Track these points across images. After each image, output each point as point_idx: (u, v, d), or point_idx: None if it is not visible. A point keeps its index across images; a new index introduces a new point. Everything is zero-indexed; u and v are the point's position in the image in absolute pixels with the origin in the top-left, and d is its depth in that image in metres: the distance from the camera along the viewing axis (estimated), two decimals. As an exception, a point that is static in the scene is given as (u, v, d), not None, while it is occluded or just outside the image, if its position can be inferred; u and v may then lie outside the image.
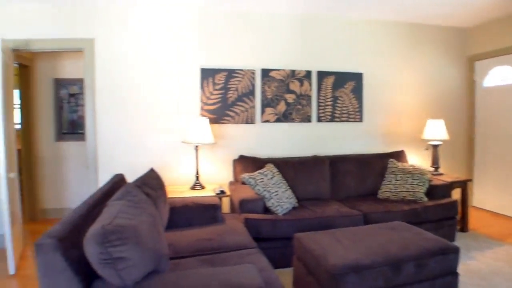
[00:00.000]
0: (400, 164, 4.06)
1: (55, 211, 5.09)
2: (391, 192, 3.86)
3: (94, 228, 1.46)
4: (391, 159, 4.17)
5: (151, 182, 2.55)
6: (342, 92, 4.47)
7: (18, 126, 4.62)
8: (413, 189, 3.76)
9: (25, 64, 4.77)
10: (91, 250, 1.42)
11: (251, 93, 4.18)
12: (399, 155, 4.40)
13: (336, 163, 4.14)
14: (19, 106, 4.77)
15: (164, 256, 1.74)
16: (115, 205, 1.80)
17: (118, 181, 2.63)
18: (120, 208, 1.73)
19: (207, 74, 4.05)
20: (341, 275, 2.17)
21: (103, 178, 3.93)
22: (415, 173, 3.84)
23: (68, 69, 4.99)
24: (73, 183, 5.09)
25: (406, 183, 3.83)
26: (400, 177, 3.90)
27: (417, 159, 4.78)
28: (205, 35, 4.04)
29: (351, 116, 4.52)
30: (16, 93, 4.26)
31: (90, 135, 3.90)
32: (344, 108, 4.49)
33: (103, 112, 3.90)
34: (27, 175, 4.87)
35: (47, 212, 5.10)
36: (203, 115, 4.01)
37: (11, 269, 3.26)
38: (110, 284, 1.50)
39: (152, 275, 1.63)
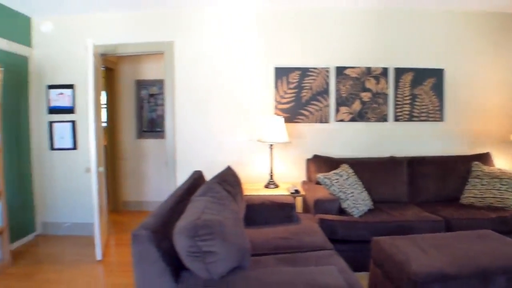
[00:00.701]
0: (486, 168, 3.77)
1: (135, 203, 5.51)
2: (475, 197, 3.61)
3: (184, 222, 1.55)
4: (476, 162, 3.88)
5: (229, 180, 2.65)
6: (421, 89, 4.25)
7: (105, 125, 5.07)
8: (501, 195, 3.48)
9: (111, 68, 5.21)
10: (181, 243, 1.52)
11: (325, 91, 4.15)
12: (484, 158, 4.07)
13: (414, 164, 3.96)
14: (105, 106, 5.24)
15: (247, 252, 1.81)
16: (200, 200, 1.90)
17: (197, 178, 2.77)
18: (205, 204, 1.83)
19: (281, 73, 4.10)
20: (424, 283, 2.07)
21: (181, 174, 4.16)
22: (503, 178, 3.55)
23: (148, 71, 5.36)
24: (152, 178, 5.46)
25: (493, 189, 3.55)
26: (487, 181, 3.62)
27: (505, 163, 4.41)
28: (279, 35, 4.09)
29: (430, 115, 4.29)
30: (103, 94, 4.69)
31: (169, 133, 4.16)
32: (424, 107, 4.27)
33: (181, 111, 4.14)
34: (111, 170, 5.32)
35: (128, 204, 5.54)
36: (276, 114, 4.07)
37: (98, 255, 3.58)
38: (197, 276, 1.59)
39: (236, 270, 1.70)
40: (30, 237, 4.28)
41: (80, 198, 4.34)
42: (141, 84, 5.35)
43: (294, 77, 4.11)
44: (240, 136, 4.11)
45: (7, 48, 3.88)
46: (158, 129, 5.35)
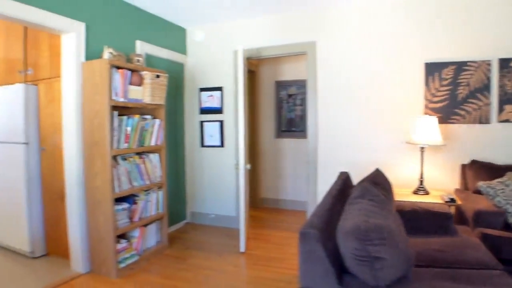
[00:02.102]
0: None
1: (272, 201, 5.75)
2: None
3: (351, 224, 1.54)
4: None
5: (381, 183, 2.56)
6: None
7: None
8: None
9: (252, 70, 5.54)
10: (349, 245, 1.51)
11: (485, 88, 3.67)
12: None
13: None
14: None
15: (412, 262, 1.71)
16: (361, 203, 1.86)
17: (345, 179, 2.74)
18: (366, 207, 1.78)
19: (433, 68, 3.77)
20: None
21: (322, 175, 4.19)
22: None
23: (288, 72, 5.54)
24: (289, 177, 5.62)
25: None
26: None
27: None
28: (429, 25, 3.76)
29: None
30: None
31: (311, 133, 4.21)
32: None
33: (324, 111, 4.16)
34: (252, 167, 5.66)
35: (265, 201, 5.81)
36: (427, 114, 3.77)
37: (242, 247, 3.84)
38: (361, 281, 1.57)
39: (402, 280, 1.63)
40: (181, 224, 4.85)
41: (224, 192, 4.74)
42: (280, 85, 5.56)
43: (447, 73, 3.74)
44: (385, 137, 3.92)
45: (168, 57, 4.48)
46: (296, 129, 5.48)
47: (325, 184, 4.18)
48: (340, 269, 1.64)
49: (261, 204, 5.81)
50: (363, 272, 1.52)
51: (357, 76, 4.00)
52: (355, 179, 3.68)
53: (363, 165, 3.92)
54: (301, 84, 5.41)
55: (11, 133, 3.71)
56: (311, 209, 4.26)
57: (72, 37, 3.23)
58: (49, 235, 3.75)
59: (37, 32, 3.69)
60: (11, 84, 3.84)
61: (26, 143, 3.63)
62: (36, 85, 3.73)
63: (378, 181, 2.52)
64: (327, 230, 1.65)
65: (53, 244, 3.72)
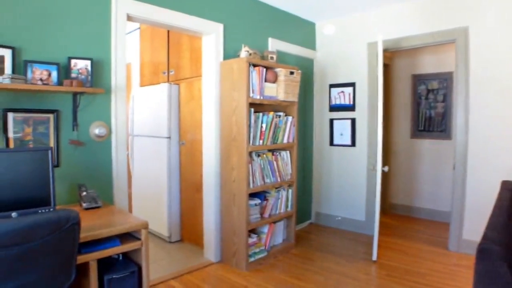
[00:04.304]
0: None
1: (403, 207, 5.43)
2: None
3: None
4: None
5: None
6: None
7: (377, 122, 5.22)
8: None
9: (386, 63, 5.30)
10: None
11: None
12: None
13: None
14: (379, 103, 5.38)
15: None
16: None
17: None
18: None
19: None
20: None
21: (471, 182, 3.78)
22: None
23: (427, 65, 5.15)
24: (426, 183, 5.22)
25: None
26: None
27: None
28: None
29: None
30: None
31: (459, 133, 3.81)
32: None
33: (476, 108, 3.71)
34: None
35: (395, 207, 5.52)
36: None
37: (374, 256, 3.69)
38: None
39: None
40: (305, 224, 4.92)
41: (353, 194, 4.64)
42: (418, 79, 5.20)
43: None
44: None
45: (298, 53, 4.58)
46: (437, 129, 5.07)
47: (475, 193, 3.74)
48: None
49: (390, 210, 5.54)
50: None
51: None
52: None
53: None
54: (444, 78, 4.97)
55: (156, 128, 4.23)
56: (456, 221, 3.88)
57: (212, 38, 3.53)
58: (184, 223, 4.19)
59: (178, 36, 4.14)
60: (156, 84, 4.38)
61: (168, 137, 4.09)
62: (177, 84, 4.17)
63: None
64: (509, 247, 1.48)
65: (187, 231, 4.15)
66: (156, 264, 3.54)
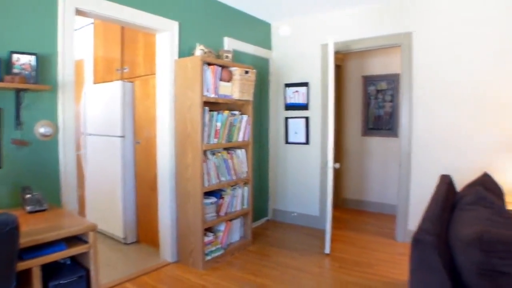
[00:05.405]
0: None
1: (355, 202, 5.57)
2: None
3: (472, 233, 1.39)
4: None
5: (492, 189, 2.32)
6: None
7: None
8: None
9: (338, 64, 5.39)
10: (470, 256, 1.36)
11: None
12: None
13: None
14: (331, 102, 5.47)
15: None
16: (474, 210, 1.70)
17: (449, 183, 2.53)
18: (483, 215, 1.62)
19: (554, 59, 3.34)
20: None
21: (416, 178, 3.93)
22: None
23: (376, 66, 5.29)
24: (375, 178, 5.38)
25: None
26: None
27: None
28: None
29: None
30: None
31: (404, 132, 3.95)
32: None
33: (419, 108, 3.87)
34: (334, 166, 5.53)
35: (347, 201, 5.65)
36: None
37: (327, 249, 3.75)
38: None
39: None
40: (262, 221, 4.91)
41: (308, 190, 4.69)
42: (368, 80, 5.34)
43: None
44: (492, 137, 3.50)
45: (254, 53, 4.54)
46: (385, 127, 5.22)
47: (418, 187, 3.90)
48: (454, 281, 1.51)
49: (343, 205, 5.66)
50: (484, 287, 1.37)
51: (460, 70, 3.65)
52: (456, 184, 3.38)
53: (465, 169, 3.57)
54: (391, 79, 5.14)
55: (110, 127, 4.05)
56: (401, 214, 4.03)
57: (166, 35, 3.41)
58: (141, 223, 4.04)
59: (132, 32, 3.98)
60: (110, 81, 4.19)
61: (122, 136, 3.93)
62: (132, 82, 4.01)
63: (488, 187, 2.29)
64: (441, 238, 1.52)
65: (144, 232, 4.00)
66: (110, 267, 3.39)
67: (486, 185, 2.32)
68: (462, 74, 3.65)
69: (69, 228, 1.90)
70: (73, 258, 2.15)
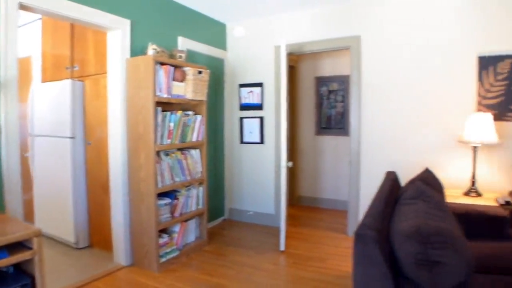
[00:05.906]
0: None
1: (310, 199, 5.69)
2: None
3: (410, 226, 1.47)
4: None
5: (433, 183, 2.46)
6: None
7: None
8: None
9: (291, 65, 5.49)
10: (407, 248, 1.44)
11: (546, 83, 3.44)
12: None
13: None
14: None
15: (472, 267, 1.62)
16: (414, 204, 1.79)
17: (394, 179, 2.65)
18: (422, 208, 1.71)
19: (487, 62, 3.57)
20: None
21: (365, 174, 4.08)
22: None
23: (328, 68, 5.44)
24: (329, 175, 5.53)
25: None
26: None
27: None
28: (482, 18, 3.57)
29: None
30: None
31: (354, 131, 4.10)
32: None
33: (368, 108, 4.03)
34: (289, 165, 5.62)
35: (302, 199, 5.76)
36: (480, 111, 3.58)
37: (282, 246, 3.81)
38: (418, 286, 1.51)
39: (460, 286, 1.55)
40: (219, 220, 4.89)
41: (263, 189, 4.73)
42: (320, 81, 5.47)
43: (504, 67, 3.53)
44: (434, 136, 3.74)
45: (208, 53, 4.52)
46: (337, 126, 5.38)
47: (368, 184, 4.07)
48: (395, 273, 1.58)
49: (298, 202, 5.76)
50: (421, 276, 1.45)
51: (405, 72, 3.85)
52: (402, 180, 3.56)
53: (409, 165, 3.78)
54: (342, 80, 5.30)
55: (59, 128, 3.87)
56: (352, 209, 4.17)
57: (117, 34, 3.31)
58: (93, 227, 3.89)
59: (83, 29, 3.82)
60: (59, 80, 4.00)
61: (72, 137, 3.77)
62: (82, 81, 3.85)
63: (429, 182, 2.43)
64: (382, 232, 1.59)
65: (96, 236, 3.86)
66: (59, 274, 3.24)
67: (426, 180, 2.46)
68: (406, 76, 3.84)
69: (12, 234, 1.79)
70: (17, 266, 2.03)
